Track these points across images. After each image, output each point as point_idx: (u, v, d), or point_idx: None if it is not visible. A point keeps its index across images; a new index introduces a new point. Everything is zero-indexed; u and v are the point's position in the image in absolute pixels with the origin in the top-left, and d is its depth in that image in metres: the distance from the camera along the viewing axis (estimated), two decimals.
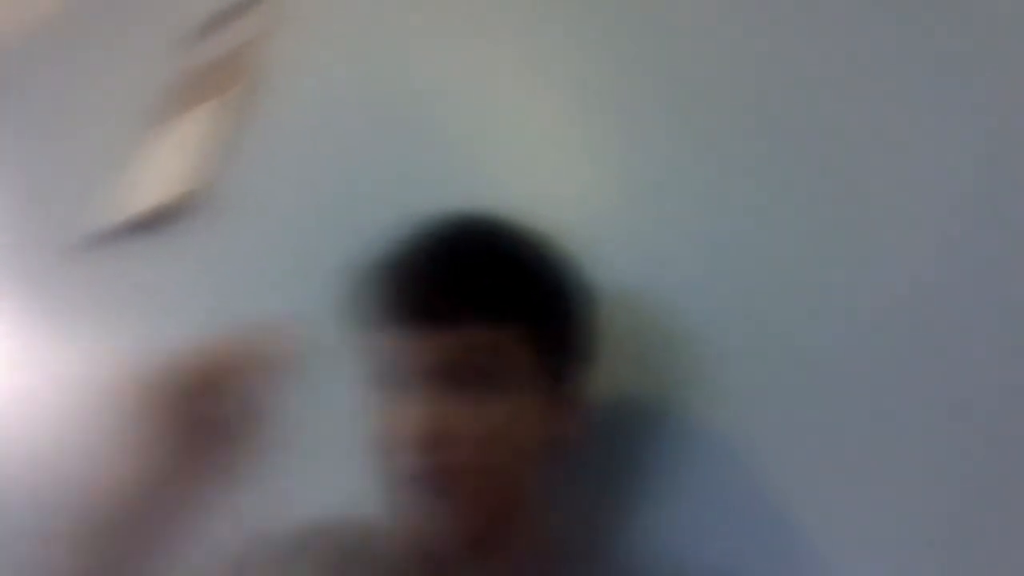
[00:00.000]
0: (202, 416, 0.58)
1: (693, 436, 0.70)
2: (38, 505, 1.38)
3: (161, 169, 1.60)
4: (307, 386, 1.06)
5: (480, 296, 0.62)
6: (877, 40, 0.74)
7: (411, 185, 1.12)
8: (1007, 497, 0.55)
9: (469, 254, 0.64)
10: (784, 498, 0.64)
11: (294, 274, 1.21)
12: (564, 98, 0.99)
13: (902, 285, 0.65)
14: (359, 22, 1.40)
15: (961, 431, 0.59)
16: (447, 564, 0.66)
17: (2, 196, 2.16)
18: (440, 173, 1.09)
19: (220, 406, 0.59)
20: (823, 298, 0.68)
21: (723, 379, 0.71)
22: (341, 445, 0.98)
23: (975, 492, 0.57)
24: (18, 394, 1.64)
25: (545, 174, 0.96)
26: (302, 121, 1.39)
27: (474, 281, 0.63)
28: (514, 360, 0.63)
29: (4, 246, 2.00)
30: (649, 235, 0.82)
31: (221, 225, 1.40)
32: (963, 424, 0.59)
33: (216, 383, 0.59)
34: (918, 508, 0.59)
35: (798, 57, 0.79)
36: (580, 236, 0.76)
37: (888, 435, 0.61)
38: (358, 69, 1.34)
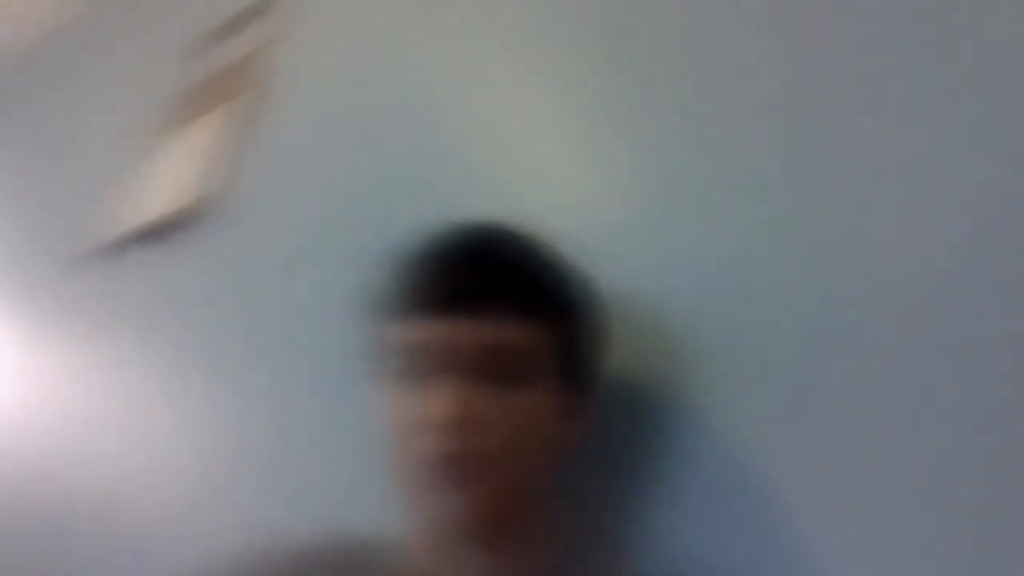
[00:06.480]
0: None
1: (700, 436, 0.71)
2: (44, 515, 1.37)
3: (171, 177, 1.60)
4: (319, 384, 1.06)
5: (513, 292, 0.66)
6: (887, 45, 0.73)
7: (421, 191, 1.11)
8: (1014, 497, 0.55)
9: (503, 252, 0.68)
10: (789, 496, 0.64)
11: (305, 280, 1.21)
12: (573, 104, 0.99)
13: (910, 285, 0.65)
14: (368, 28, 1.40)
15: (968, 431, 0.58)
16: (455, 561, 0.66)
17: (12, 205, 2.16)
18: (450, 179, 1.08)
19: None
20: (831, 300, 0.68)
21: (730, 381, 0.71)
22: (351, 443, 0.97)
23: (983, 491, 0.56)
24: (29, 404, 1.64)
25: (552, 181, 0.96)
26: (311, 127, 1.39)
27: (508, 277, 0.66)
28: (538, 356, 0.66)
29: (14, 255, 2.01)
30: (656, 240, 0.82)
31: (231, 232, 1.40)
32: (970, 424, 0.58)
33: None
34: (924, 507, 0.58)
35: (807, 62, 0.78)
36: (587, 240, 0.78)
37: (896, 432, 0.61)
38: (367, 75, 1.34)
